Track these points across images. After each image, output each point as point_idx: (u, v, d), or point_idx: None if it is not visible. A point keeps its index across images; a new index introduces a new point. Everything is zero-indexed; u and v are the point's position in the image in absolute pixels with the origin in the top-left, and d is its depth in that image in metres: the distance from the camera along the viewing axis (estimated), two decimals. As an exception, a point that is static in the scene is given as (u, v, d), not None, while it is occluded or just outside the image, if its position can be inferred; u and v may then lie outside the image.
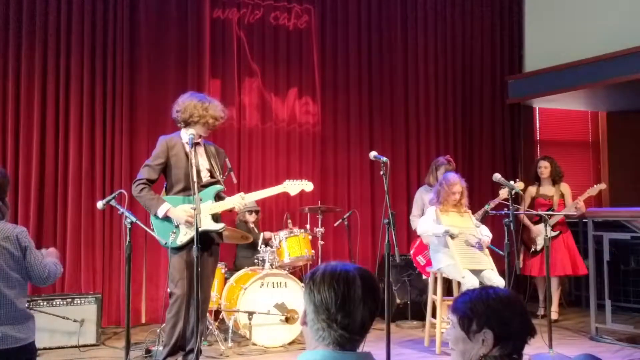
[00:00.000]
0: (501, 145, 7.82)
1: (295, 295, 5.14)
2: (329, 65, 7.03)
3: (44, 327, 4.86)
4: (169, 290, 4.31)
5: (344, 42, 7.09)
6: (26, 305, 2.97)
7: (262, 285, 5.12)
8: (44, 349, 4.88)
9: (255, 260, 5.54)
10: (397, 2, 7.36)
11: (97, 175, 6.00)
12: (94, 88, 6.04)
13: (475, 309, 1.79)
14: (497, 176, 4.96)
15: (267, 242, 5.69)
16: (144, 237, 5.59)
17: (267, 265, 5.29)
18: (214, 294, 5.15)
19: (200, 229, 3.90)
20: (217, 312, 5.46)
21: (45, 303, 5.04)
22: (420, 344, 5.33)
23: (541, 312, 6.31)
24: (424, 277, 5.85)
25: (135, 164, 5.96)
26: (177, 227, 4.18)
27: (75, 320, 5.08)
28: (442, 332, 4.93)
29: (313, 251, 5.62)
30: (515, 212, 4.78)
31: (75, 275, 5.86)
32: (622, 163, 8.30)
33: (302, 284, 5.07)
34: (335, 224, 6.22)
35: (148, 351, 4.77)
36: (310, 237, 5.65)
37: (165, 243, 4.20)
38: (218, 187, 4.37)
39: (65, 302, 5.12)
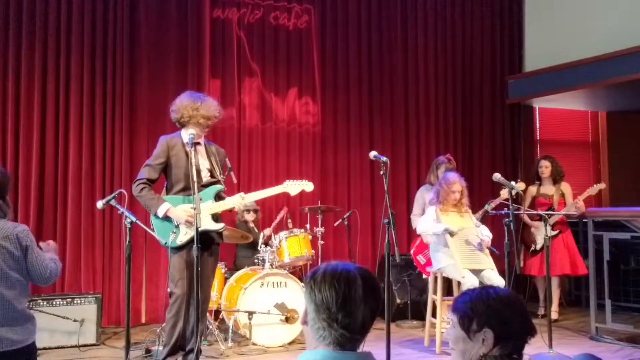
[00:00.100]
0: (501, 145, 7.82)
1: (295, 295, 5.14)
2: (329, 65, 7.03)
3: (44, 327, 4.86)
4: (169, 290, 4.31)
5: (344, 42, 7.09)
6: (27, 305, 2.90)
7: (262, 285, 5.13)
8: (44, 348, 4.88)
9: (255, 260, 5.54)
10: (397, 2, 7.36)
11: (97, 175, 6.00)
12: (94, 88, 6.04)
13: (476, 309, 1.79)
14: (497, 176, 4.96)
15: (267, 241, 5.69)
16: (144, 236, 5.60)
17: (267, 265, 5.29)
18: (214, 293, 5.15)
19: (200, 229, 3.91)
20: (217, 312, 5.46)
21: (45, 303, 5.04)
22: (420, 343, 5.33)
23: (541, 311, 6.31)
24: (424, 276, 5.85)
25: (135, 164, 5.97)
26: (177, 226, 4.18)
27: (75, 320, 5.08)
28: (442, 332, 4.93)
29: (313, 251, 5.62)
30: (515, 212, 4.77)
31: (75, 275, 5.86)
32: (622, 163, 8.30)
33: (302, 284, 5.08)
34: (335, 224, 6.22)
35: (148, 351, 4.77)
36: (310, 236, 5.66)
37: (165, 243, 4.20)
38: (218, 187, 4.37)
39: (65, 302, 5.12)
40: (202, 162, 4.34)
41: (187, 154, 4.20)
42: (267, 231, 5.86)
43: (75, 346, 5.03)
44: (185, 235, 4.18)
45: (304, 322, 1.70)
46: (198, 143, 4.32)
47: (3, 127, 5.75)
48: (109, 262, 6.00)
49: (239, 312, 5.00)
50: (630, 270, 6.67)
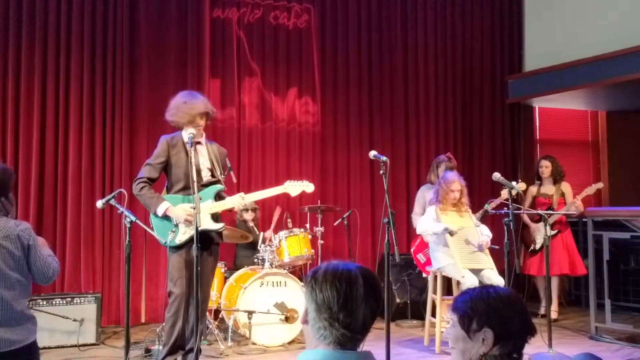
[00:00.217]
0: (501, 145, 7.83)
1: (295, 294, 5.14)
2: (329, 65, 7.03)
3: (44, 327, 4.86)
4: (168, 289, 4.31)
5: (343, 42, 7.09)
6: (27, 305, 2.84)
7: (262, 284, 5.13)
8: (44, 348, 4.87)
9: (255, 260, 5.54)
10: (397, 2, 7.36)
11: (97, 175, 6.00)
12: (94, 88, 6.04)
13: (476, 308, 1.79)
14: (496, 175, 4.96)
15: (267, 241, 5.69)
16: (143, 236, 5.60)
17: (266, 264, 5.29)
18: (213, 293, 5.16)
19: (199, 229, 3.91)
20: (217, 312, 5.46)
21: (45, 302, 5.04)
22: (420, 343, 5.34)
23: (542, 311, 6.32)
24: (424, 275, 5.85)
25: (135, 163, 5.97)
26: (176, 226, 4.18)
27: (75, 320, 5.08)
28: (442, 332, 4.93)
29: (313, 250, 5.63)
30: (515, 212, 4.77)
31: (75, 274, 5.86)
32: (622, 163, 8.30)
33: (302, 284, 5.08)
34: (335, 224, 6.22)
35: (148, 350, 4.77)
36: (310, 236, 5.66)
37: (165, 242, 4.20)
38: (218, 186, 4.37)
39: (65, 302, 5.12)
40: (203, 162, 4.34)
41: (187, 153, 4.20)
42: (268, 233, 5.86)
43: (75, 346, 5.03)
44: (184, 234, 4.18)
45: (305, 322, 1.70)
46: (199, 142, 4.33)
47: (3, 127, 5.75)
48: (109, 261, 6.00)
49: (239, 311, 5.00)
50: (630, 270, 6.68)
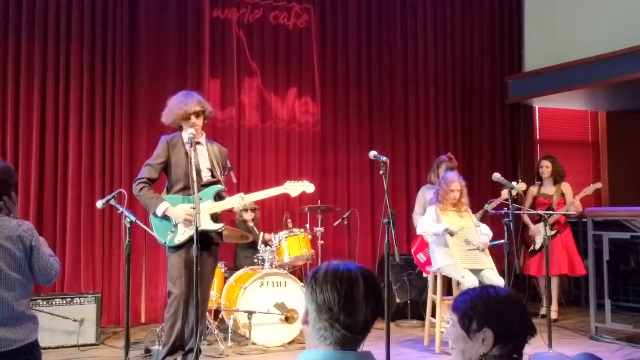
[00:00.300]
0: (501, 145, 7.83)
1: (294, 294, 5.14)
2: (329, 65, 7.03)
3: (44, 327, 4.85)
4: (167, 289, 4.31)
5: (343, 42, 7.09)
6: (28, 306, 2.81)
7: (262, 284, 5.12)
8: (44, 348, 4.84)
9: (255, 260, 5.54)
10: (397, 2, 7.36)
11: (97, 175, 6.00)
12: (94, 88, 6.04)
13: (476, 308, 1.79)
14: (496, 175, 4.96)
15: (266, 243, 5.69)
16: (143, 236, 5.60)
17: (266, 264, 5.29)
18: (213, 293, 5.16)
19: (199, 229, 3.90)
20: (217, 312, 5.46)
21: (44, 302, 5.04)
22: (420, 343, 5.34)
23: (543, 311, 6.32)
24: (424, 275, 5.85)
25: (135, 163, 5.97)
26: (175, 226, 4.18)
27: (74, 320, 5.08)
28: (442, 332, 4.93)
29: (313, 251, 5.62)
30: (515, 212, 4.77)
31: (74, 274, 5.86)
32: (622, 163, 8.30)
33: (302, 284, 5.08)
34: (335, 224, 6.22)
35: (147, 350, 4.77)
36: (310, 236, 5.65)
37: (165, 242, 4.20)
38: (218, 187, 4.37)
39: (64, 302, 5.12)
40: (203, 162, 4.34)
41: (187, 153, 4.20)
42: (267, 236, 5.84)
43: (75, 346, 5.03)
44: (183, 234, 4.18)
45: (305, 322, 1.70)
46: (199, 142, 4.32)
47: (3, 127, 5.75)
48: (109, 261, 6.00)
49: (239, 311, 5.00)
50: (629, 270, 6.68)
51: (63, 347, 5.03)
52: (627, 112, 8.30)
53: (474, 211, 5.34)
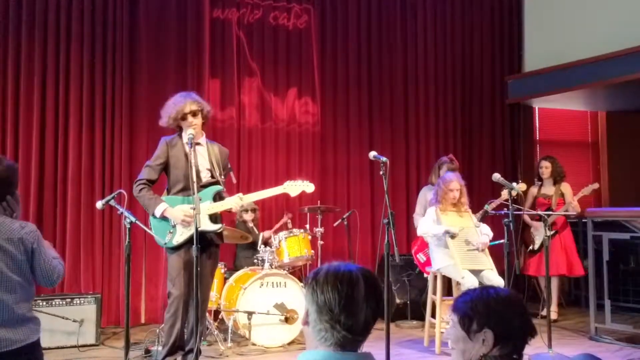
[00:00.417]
0: (501, 145, 7.83)
1: (294, 295, 5.14)
2: (329, 65, 7.03)
3: (44, 327, 4.71)
4: (167, 290, 4.31)
5: (343, 42, 7.09)
6: (29, 308, 2.77)
7: (262, 285, 5.12)
8: (44, 349, 4.83)
9: (255, 260, 5.53)
10: (397, 2, 7.36)
11: (97, 175, 6.00)
12: (94, 88, 6.03)
13: (476, 309, 1.79)
14: (496, 176, 4.96)
15: (266, 242, 5.69)
16: (143, 237, 5.59)
17: (266, 265, 5.28)
18: (213, 293, 5.15)
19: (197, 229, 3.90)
20: (217, 312, 5.46)
21: (44, 303, 5.04)
22: (419, 343, 5.33)
23: (544, 311, 6.31)
24: (424, 275, 5.85)
25: (134, 164, 5.97)
26: (174, 227, 4.18)
27: (74, 320, 5.08)
28: (442, 332, 4.92)
29: (313, 251, 5.62)
30: (515, 212, 4.77)
31: (74, 275, 5.85)
32: (621, 163, 8.30)
33: (302, 284, 5.08)
34: (335, 224, 6.22)
35: (147, 351, 4.77)
36: (309, 237, 5.65)
37: (165, 243, 4.20)
38: (217, 187, 4.36)
39: (64, 302, 5.12)
40: (202, 163, 4.33)
41: (186, 154, 4.20)
42: (267, 233, 5.85)
43: (75, 346, 5.03)
44: (181, 235, 4.18)
45: (305, 323, 1.70)
46: (198, 143, 4.32)
47: (3, 127, 5.75)
48: (109, 262, 6.00)
49: (239, 312, 5.00)
50: (629, 271, 6.68)
51: (63, 347, 5.03)
52: (627, 112, 8.30)
53: (474, 211, 5.34)
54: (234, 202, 4.34)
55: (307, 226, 5.80)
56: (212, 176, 4.37)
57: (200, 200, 4.05)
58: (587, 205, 6.59)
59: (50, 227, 5.83)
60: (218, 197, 4.37)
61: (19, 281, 2.69)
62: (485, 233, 5.10)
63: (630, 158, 8.22)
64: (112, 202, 4.06)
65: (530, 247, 6.46)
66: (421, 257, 5.78)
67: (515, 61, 7.95)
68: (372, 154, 4.27)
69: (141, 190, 4.24)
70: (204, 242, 4.20)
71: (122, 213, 3.94)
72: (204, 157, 4.37)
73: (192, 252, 3.84)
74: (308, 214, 6.08)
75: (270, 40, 6.79)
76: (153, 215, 4.21)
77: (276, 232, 5.87)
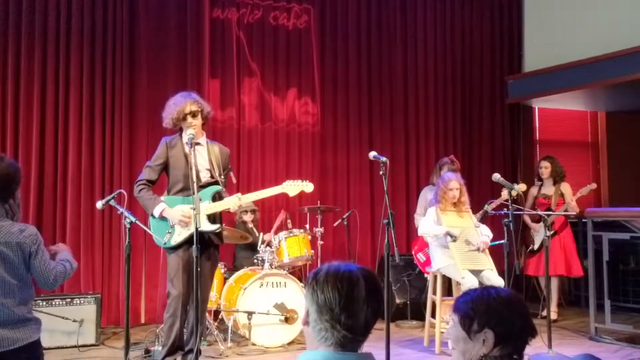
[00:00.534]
0: (501, 145, 7.83)
1: (294, 295, 5.14)
2: (329, 65, 7.03)
3: (44, 327, 4.70)
4: (167, 290, 4.30)
5: (343, 42, 7.09)
6: (30, 309, 2.78)
7: (262, 285, 5.12)
8: (44, 349, 4.84)
9: (255, 260, 5.53)
10: (397, 2, 7.36)
11: (97, 175, 5.99)
12: (94, 88, 6.03)
13: (477, 309, 1.79)
14: (496, 176, 4.96)
15: (267, 244, 5.68)
16: (143, 237, 5.59)
17: (266, 265, 5.28)
18: (213, 294, 5.15)
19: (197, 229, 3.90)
20: (217, 312, 5.46)
21: (44, 303, 5.04)
22: (419, 343, 5.33)
23: (544, 311, 6.31)
24: (425, 275, 5.85)
25: (134, 164, 5.97)
26: (172, 227, 4.19)
27: (74, 320, 5.08)
28: (442, 332, 4.93)
29: (312, 251, 5.62)
30: (515, 213, 4.77)
31: (74, 275, 5.75)
32: (621, 163, 8.30)
33: (302, 284, 5.08)
34: (335, 224, 6.22)
35: (147, 351, 4.77)
36: (309, 237, 5.65)
37: (165, 243, 4.21)
38: (216, 187, 4.36)
39: (64, 302, 5.12)
40: (202, 163, 4.33)
41: (186, 155, 4.21)
42: (267, 236, 5.83)
43: (75, 346, 5.03)
44: (179, 235, 4.18)
45: (305, 323, 1.70)
46: (198, 143, 4.32)
47: (3, 127, 5.74)
48: (109, 262, 6.00)
49: (239, 312, 5.00)
50: (629, 271, 6.68)
51: (63, 347, 5.03)
52: (627, 112, 8.30)
53: (474, 212, 5.34)
54: (232, 202, 4.33)
55: (307, 226, 5.80)
56: (212, 176, 4.37)
57: (200, 200, 4.05)
58: (587, 205, 6.59)
59: (50, 227, 5.83)
60: (217, 197, 4.37)
61: (17, 284, 2.70)
62: (485, 234, 5.09)
63: (630, 158, 8.22)
64: (112, 202, 4.05)
65: (530, 247, 6.47)
66: (421, 257, 5.78)
67: (515, 61, 7.95)
68: (372, 154, 4.27)
69: (141, 190, 4.25)
70: (202, 243, 4.18)
71: (122, 213, 3.93)
72: (204, 157, 4.37)
73: (191, 252, 3.85)
74: (308, 214, 6.08)
75: (270, 40, 6.80)
76: (152, 215, 4.22)
77: (276, 232, 5.86)
